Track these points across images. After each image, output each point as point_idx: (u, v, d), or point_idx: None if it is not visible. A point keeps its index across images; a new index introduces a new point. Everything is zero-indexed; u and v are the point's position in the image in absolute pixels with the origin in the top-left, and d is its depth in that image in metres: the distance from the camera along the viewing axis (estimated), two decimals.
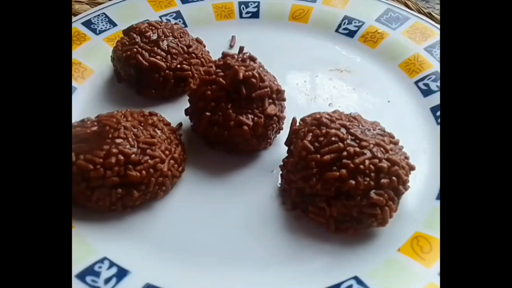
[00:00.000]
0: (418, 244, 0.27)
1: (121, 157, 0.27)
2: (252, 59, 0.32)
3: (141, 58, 0.35)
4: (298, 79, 0.40)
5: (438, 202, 0.29)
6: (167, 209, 0.29)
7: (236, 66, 0.30)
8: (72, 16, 0.45)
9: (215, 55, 0.36)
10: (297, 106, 0.37)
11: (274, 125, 0.32)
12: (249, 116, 0.30)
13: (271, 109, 0.31)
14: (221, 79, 0.30)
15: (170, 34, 0.36)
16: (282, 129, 0.33)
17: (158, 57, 0.35)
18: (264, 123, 0.31)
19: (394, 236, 0.27)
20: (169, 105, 0.37)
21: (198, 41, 0.40)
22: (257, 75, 0.30)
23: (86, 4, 0.50)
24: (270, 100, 0.31)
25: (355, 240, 0.27)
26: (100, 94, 0.38)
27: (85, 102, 0.37)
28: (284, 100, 0.33)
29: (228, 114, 0.30)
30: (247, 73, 0.30)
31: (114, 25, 0.42)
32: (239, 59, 0.31)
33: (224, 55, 0.32)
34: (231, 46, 0.43)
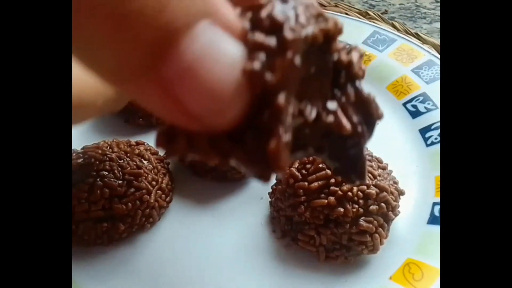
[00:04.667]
0: (409, 271, 0.26)
1: (106, 190, 0.27)
2: None
3: None
4: None
5: (429, 226, 0.29)
6: (154, 241, 0.29)
7: None
8: None
9: None
10: None
11: None
12: None
13: None
14: None
15: None
16: None
17: None
18: None
19: (385, 263, 0.27)
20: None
21: None
22: None
23: None
24: None
25: (346, 269, 0.27)
26: (88, 123, 0.37)
27: (73, 131, 0.36)
28: None
29: None
30: None
31: None
32: None
33: None
34: None
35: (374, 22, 0.47)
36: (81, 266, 0.27)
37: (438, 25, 0.54)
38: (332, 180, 0.26)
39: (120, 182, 0.27)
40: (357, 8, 0.50)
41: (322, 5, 0.50)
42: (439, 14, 0.55)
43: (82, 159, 0.28)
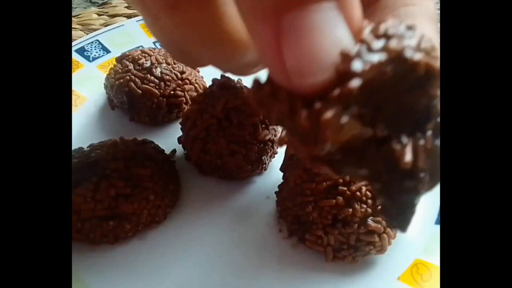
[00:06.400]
0: (418, 271, 0.26)
1: (112, 190, 0.26)
2: (242, 85, 0.31)
3: (133, 86, 0.34)
4: None
5: (437, 227, 0.28)
6: (160, 240, 0.29)
7: (227, 94, 0.30)
8: None
9: (209, 79, 0.36)
10: None
11: (268, 150, 0.31)
12: (242, 143, 0.30)
13: (264, 135, 0.31)
14: (211, 108, 0.30)
15: (164, 60, 0.36)
16: (276, 153, 0.33)
17: (151, 84, 0.35)
18: (258, 149, 0.30)
19: (393, 264, 0.27)
20: (162, 131, 0.36)
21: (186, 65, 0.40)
22: (248, 102, 0.30)
23: (80, 30, 0.50)
24: (263, 125, 0.31)
25: (353, 269, 0.27)
26: (94, 121, 0.37)
27: (79, 129, 0.36)
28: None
29: (220, 142, 0.29)
30: (237, 100, 0.30)
31: (108, 52, 0.42)
32: (229, 86, 0.31)
33: (214, 83, 0.32)
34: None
35: None
36: (87, 263, 0.27)
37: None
38: (340, 180, 0.26)
39: (126, 181, 0.27)
40: None
41: None
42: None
43: (88, 158, 0.28)
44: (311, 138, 0.12)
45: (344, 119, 0.12)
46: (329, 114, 0.12)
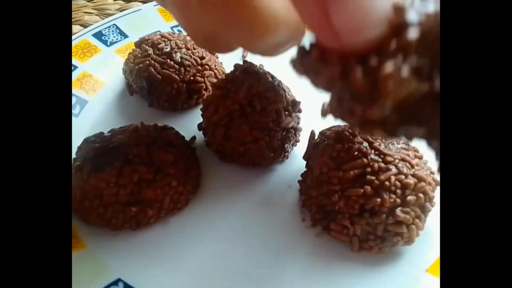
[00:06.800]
0: None
1: (135, 175, 0.26)
2: (265, 71, 0.31)
3: (153, 71, 0.34)
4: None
5: None
6: (182, 226, 0.28)
7: (250, 80, 0.29)
8: (83, 28, 0.45)
9: (228, 66, 0.35)
10: (314, 117, 0.36)
11: (291, 138, 0.31)
12: (265, 130, 0.29)
13: (287, 122, 0.30)
14: (234, 94, 0.29)
15: (183, 45, 0.36)
16: (298, 141, 0.32)
17: (171, 69, 0.34)
18: (281, 137, 0.30)
19: (421, 255, 0.26)
20: (182, 117, 0.36)
21: (211, 52, 0.39)
22: (271, 88, 0.29)
23: (96, 15, 0.49)
24: (286, 113, 0.30)
25: (379, 260, 0.26)
26: (112, 107, 0.37)
27: (97, 115, 0.36)
28: (300, 111, 0.32)
29: (243, 129, 0.29)
30: (260, 86, 0.29)
31: (125, 36, 0.42)
32: (252, 72, 0.30)
33: (237, 68, 0.31)
34: (243, 57, 0.42)
35: None
36: (109, 248, 0.27)
37: None
38: (368, 169, 0.25)
39: (148, 166, 0.27)
40: None
41: None
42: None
43: (110, 143, 0.28)
44: (369, 96, 0.12)
45: (404, 71, 0.12)
46: (389, 67, 0.11)
